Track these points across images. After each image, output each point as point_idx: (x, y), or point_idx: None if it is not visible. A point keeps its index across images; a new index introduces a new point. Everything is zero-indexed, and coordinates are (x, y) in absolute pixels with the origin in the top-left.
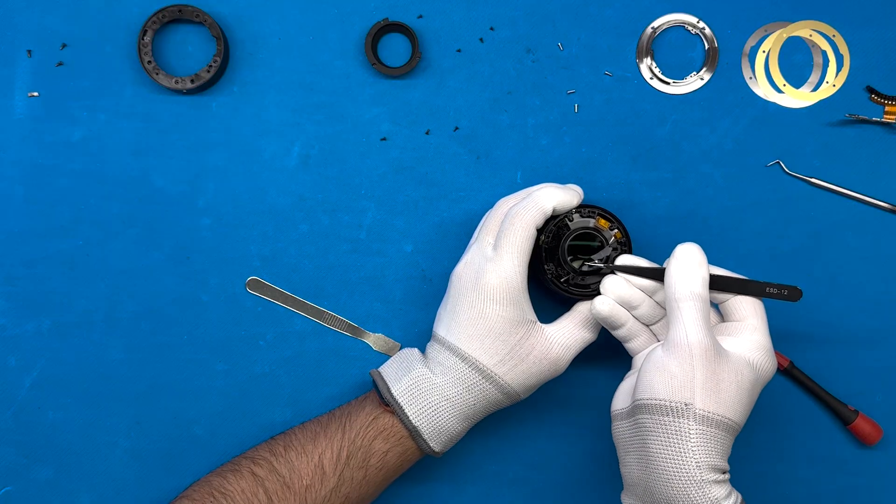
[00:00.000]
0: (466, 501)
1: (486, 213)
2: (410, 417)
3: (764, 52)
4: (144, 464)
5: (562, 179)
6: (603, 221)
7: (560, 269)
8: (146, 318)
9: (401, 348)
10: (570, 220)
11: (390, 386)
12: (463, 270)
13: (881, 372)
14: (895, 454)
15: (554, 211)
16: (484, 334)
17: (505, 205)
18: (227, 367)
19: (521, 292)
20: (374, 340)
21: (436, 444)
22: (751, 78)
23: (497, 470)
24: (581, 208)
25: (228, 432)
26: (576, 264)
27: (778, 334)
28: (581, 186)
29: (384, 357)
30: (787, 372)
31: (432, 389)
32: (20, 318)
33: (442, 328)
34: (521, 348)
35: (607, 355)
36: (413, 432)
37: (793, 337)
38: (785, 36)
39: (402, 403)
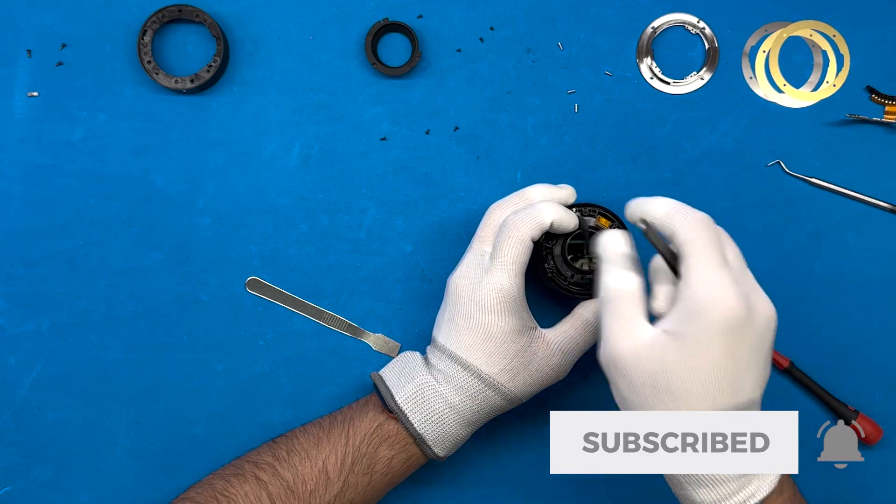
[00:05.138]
0: (467, 502)
1: (482, 221)
2: (415, 425)
3: (764, 51)
4: (144, 464)
5: (562, 179)
6: (603, 220)
7: (560, 269)
8: (145, 318)
9: (401, 348)
10: None
11: (394, 393)
12: (459, 280)
13: (881, 372)
14: (895, 454)
15: (552, 226)
16: (485, 344)
17: (498, 211)
18: (227, 367)
19: (520, 301)
20: (373, 340)
21: (440, 450)
22: (751, 78)
23: (498, 471)
24: (581, 207)
25: (228, 432)
26: (576, 264)
27: (778, 334)
28: (581, 186)
29: (384, 357)
30: (788, 372)
31: (436, 397)
32: (20, 318)
33: (442, 336)
34: (524, 356)
35: None
36: (418, 439)
37: (793, 337)
38: (785, 36)
39: (406, 411)
